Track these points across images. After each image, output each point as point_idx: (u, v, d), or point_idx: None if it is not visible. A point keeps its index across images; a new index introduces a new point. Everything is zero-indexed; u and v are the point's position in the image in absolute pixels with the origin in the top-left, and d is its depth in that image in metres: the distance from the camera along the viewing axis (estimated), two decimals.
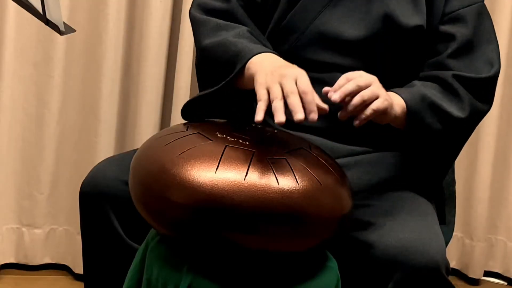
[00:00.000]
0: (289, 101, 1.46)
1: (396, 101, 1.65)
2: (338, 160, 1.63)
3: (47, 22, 1.57)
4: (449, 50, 1.74)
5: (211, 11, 1.78)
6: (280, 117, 1.44)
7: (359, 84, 1.53)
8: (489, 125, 2.87)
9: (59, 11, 1.55)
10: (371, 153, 1.76)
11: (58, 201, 2.65)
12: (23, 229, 2.65)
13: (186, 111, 1.75)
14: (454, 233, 2.09)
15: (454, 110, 1.70)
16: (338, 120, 1.60)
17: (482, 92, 1.75)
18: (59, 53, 2.56)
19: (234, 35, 1.70)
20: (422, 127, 1.69)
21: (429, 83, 1.73)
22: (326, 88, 1.53)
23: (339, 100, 1.51)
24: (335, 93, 1.51)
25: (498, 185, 2.94)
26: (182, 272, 1.47)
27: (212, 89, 1.68)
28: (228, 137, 1.53)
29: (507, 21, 2.83)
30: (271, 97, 1.48)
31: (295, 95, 1.46)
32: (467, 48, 1.75)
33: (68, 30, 1.57)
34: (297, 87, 1.47)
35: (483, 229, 2.95)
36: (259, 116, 1.46)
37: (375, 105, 1.55)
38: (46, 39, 2.55)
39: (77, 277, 2.64)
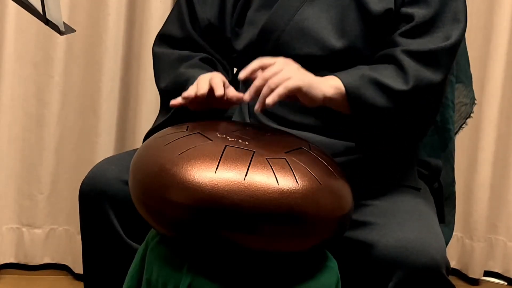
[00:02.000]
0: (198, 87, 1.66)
1: (329, 82, 1.64)
2: (337, 159, 1.63)
3: (47, 22, 1.57)
4: (403, 29, 1.73)
5: (172, 41, 1.88)
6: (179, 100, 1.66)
7: (265, 77, 1.58)
8: (489, 125, 2.87)
9: (59, 11, 1.55)
10: (369, 152, 1.76)
11: (58, 201, 2.65)
12: (23, 229, 2.65)
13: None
14: (454, 233, 2.10)
15: (396, 83, 1.66)
16: (334, 118, 1.61)
17: (433, 63, 1.70)
18: (59, 53, 2.56)
19: (186, 66, 1.80)
20: (365, 104, 1.65)
21: (376, 65, 1.71)
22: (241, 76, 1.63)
23: (250, 99, 1.60)
24: (245, 95, 1.61)
25: (498, 185, 2.94)
26: (182, 272, 1.47)
27: (164, 118, 1.79)
28: (228, 137, 1.53)
29: (507, 21, 2.83)
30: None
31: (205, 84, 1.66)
32: (425, 29, 1.72)
33: (68, 30, 1.57)
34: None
35: (483, 229, 2.95)
36: (175, 102, 1.67)
37: (284, 85, 1.56)
38: (46, 39, 2.55)
39: (77, 277, 2.64)
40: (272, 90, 1.56)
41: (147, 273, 1.53)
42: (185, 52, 1.85)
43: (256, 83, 1.58)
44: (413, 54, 1.69)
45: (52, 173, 2.63)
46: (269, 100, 1.56)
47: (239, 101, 1.68)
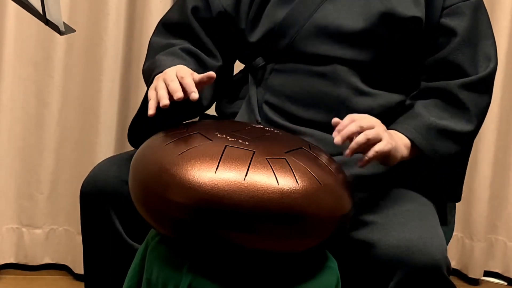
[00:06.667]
0: (170, 87, 1.59)
1: (402, 142, 1.68)
2: (339, 158, 1.63)
3: (47, 22, 1.57)
4: (452, 45, 1.75)
5: (170, 26, 1.87)
6: (164, 101, 1.57)
7: (361, 125, 1.57)
8: (489, 125, 2.87)
9: (59, 11, 1.55)
10: None
11: (58, 201, 2.65)
12: (23, 229, 2.65)
13: (132, 136, 1.77)
14: (454, 233, 2.10)
15: (462, 125, 1.73)
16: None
17: (486, 89, 1.78)
18: (59, 53, 2.56)
19: (163, 53, 1.79)
20: (439, 156, 1.72)
21: (430, 102, 1.74)
22: (334, 121, 1.58)
23: (341, 143, 1.56)
24: (338, 135, 1.56)
25: (498, 185, 2.94)
26: (182, 272, 1.47)
27: (139, 109, 1.74)
28: (228, 137, 1.53)
29: (507, 21, 2.83)
30: (157, 90, 1.61)
31: (175, 82, 1.60)
32: (468, 42, 1.76)
33: (68, 30, 1.57)
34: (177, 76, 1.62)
35: (483, 229, 2.95)
36: (151, 111, 1.58)
37: (378, 147, 1.57)
38: (46, 39, 2.55)
39: (77, 277, 2.64)
40: (368, 140, 1.56)
41: (147, 273, 1.53)
42: (175, 41, 1.84)
43: (359, 140, 1.55)
44: (468, 87, 1.74)
45: (52, 173, 2.63)
46: (360, 164, 1.57)
47: (210, 80, 1.63)
